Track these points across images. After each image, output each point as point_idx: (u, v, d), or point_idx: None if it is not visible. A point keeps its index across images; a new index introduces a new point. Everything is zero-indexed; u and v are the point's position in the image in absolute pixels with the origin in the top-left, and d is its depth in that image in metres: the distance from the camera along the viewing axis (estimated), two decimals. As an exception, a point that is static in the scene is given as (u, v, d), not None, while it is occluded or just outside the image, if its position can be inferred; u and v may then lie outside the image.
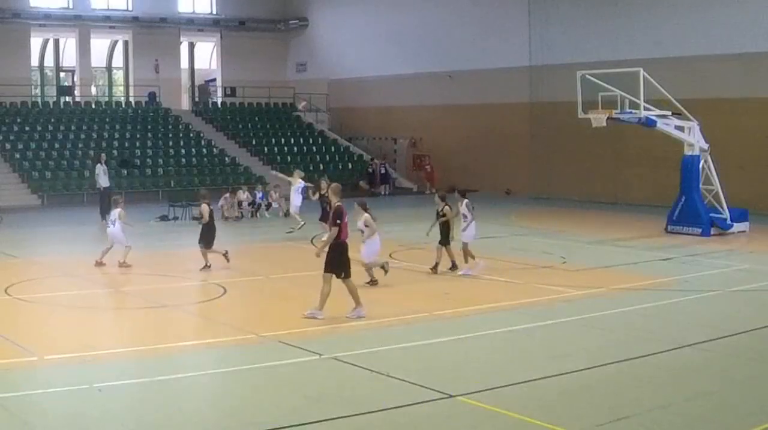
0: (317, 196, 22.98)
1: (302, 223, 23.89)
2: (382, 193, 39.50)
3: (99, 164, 28.64)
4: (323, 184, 21.55)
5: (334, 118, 46.98)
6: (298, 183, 25.01)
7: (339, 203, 13.92)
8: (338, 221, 13.60)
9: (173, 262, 20.80)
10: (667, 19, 32.59)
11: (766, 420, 9.30)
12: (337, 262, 13.66)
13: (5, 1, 40.84)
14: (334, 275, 13.66)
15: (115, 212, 18.89)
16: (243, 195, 30.04)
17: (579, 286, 16.98)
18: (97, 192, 28.68)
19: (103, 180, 28.07)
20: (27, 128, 38.66)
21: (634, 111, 23.84)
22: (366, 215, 16.09)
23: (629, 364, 11.44)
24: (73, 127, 39.65)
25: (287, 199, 26.50)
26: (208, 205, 18.84)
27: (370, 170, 40.92)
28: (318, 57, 47.69)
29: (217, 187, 34.30)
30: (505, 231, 25.76)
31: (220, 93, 48.31)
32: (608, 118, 23.86)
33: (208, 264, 18.37)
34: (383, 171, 40.95)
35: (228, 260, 18.66)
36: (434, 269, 18.07)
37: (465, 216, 18.14)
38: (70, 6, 43.39)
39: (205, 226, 18.69)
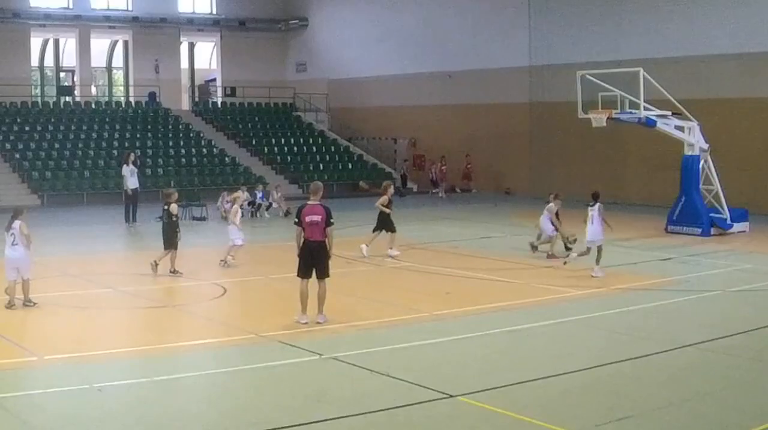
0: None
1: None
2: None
3: (125, 166, 27.92)
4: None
5: (334, 118, 46.96)
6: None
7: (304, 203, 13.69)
8: (295, 220, 13.54)
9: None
10: (667, 19, 32.57)
11: (766, 420, 9.30)
12: (300, 264, 13.51)
13: (5, 1, 40.83)
14: (304, 278, 13.49)
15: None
16: (243, 195, 29.96)
17: (579, 286, 16.98)
18: (119, 192, 27.26)
19: (131, 182, 27.27)
20: (27, 128, 38.62)
21: (634, 111, 23.84)
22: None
23: (629, 364, 11.43)
24: (73, 127, 39.62)
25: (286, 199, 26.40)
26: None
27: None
28: (318, 57, 47.67)
29: (217, 187, 34.26)
30: (505, 231, 25.75)
31: (220, 93, 48.28)
32: (608, 118, 23.86)
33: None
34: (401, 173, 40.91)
35: None
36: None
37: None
38: (70, 6, 43.36)
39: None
